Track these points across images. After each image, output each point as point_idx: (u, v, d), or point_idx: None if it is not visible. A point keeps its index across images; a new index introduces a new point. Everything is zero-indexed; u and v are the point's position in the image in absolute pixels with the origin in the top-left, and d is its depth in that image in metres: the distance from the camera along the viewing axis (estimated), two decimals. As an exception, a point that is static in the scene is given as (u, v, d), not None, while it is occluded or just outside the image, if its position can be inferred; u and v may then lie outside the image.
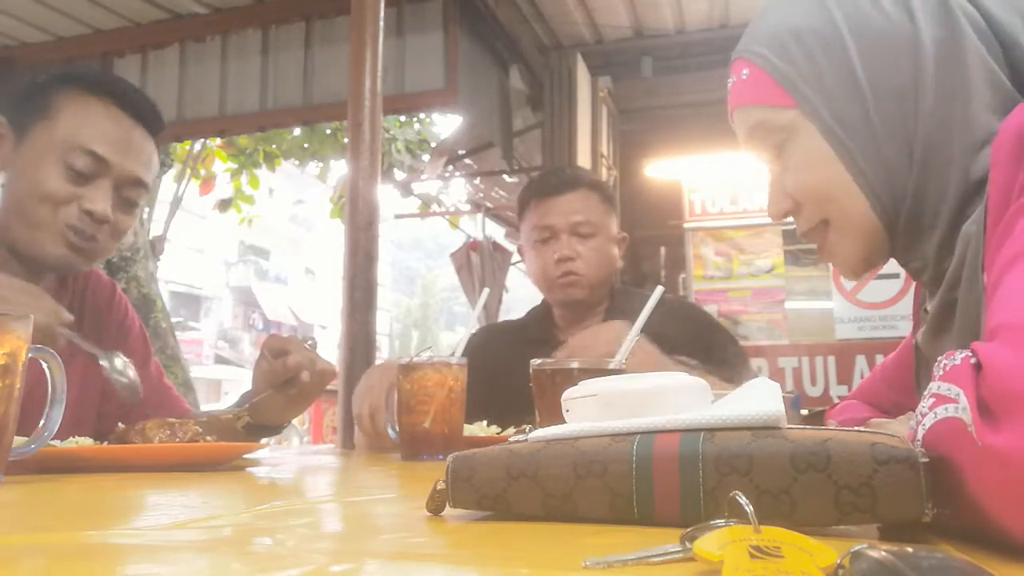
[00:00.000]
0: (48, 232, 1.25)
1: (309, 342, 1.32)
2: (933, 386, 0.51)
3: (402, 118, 6.98)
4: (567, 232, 1.76)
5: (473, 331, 1.87)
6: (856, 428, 0.50)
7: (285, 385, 1.28)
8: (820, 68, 0.81)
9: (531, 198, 1.83)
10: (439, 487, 0.56)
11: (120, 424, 1.10)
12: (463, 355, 1.28)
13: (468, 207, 7.27)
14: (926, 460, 0.45)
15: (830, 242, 0.87)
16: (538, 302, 1.94)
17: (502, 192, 6.77)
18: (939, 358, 0.52)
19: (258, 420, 1.30)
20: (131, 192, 1.32)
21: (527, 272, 1.93)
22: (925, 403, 0.51)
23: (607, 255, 1.80)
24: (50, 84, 1.31)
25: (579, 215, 1.77)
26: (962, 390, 0.48)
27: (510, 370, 1.55)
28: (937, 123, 0.77)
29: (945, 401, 0.49)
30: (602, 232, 1.79)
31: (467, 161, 6.17)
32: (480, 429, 1.42)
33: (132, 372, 1.21)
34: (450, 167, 6.20)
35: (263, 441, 1.34)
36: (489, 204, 6.81)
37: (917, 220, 0.80)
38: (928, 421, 0.49)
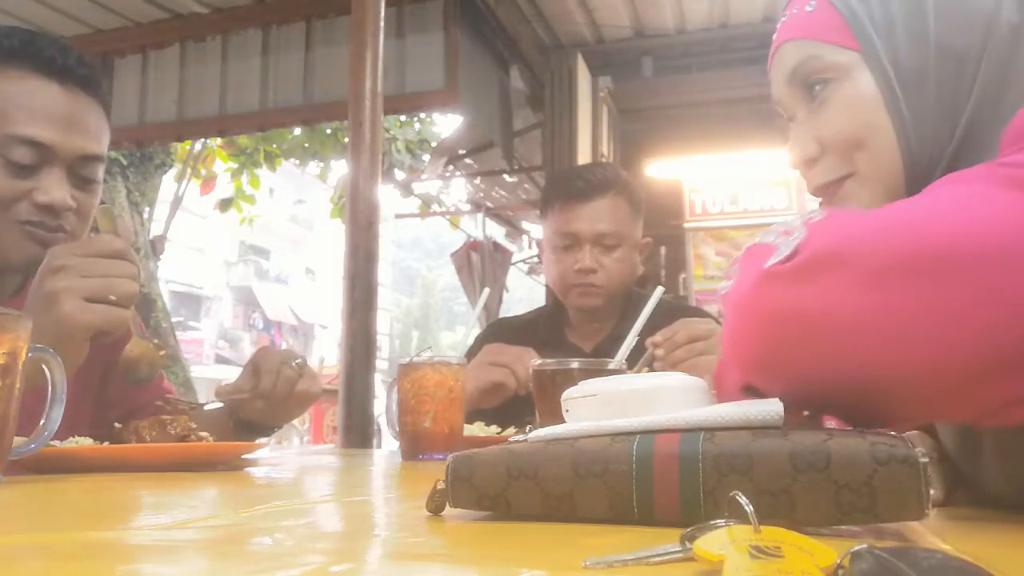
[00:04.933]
0: (6, 235, 1.11)
1: (297, 361, 1.28)
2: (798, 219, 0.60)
3: (402, 118, 6.98)
4: (591, 242, 1.69)
5: (476, 329, 1.88)
6: (857, 429, 0.50)
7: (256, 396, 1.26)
8: (893, 12, 0.79)
9: (556, 199, 1.75)
10: (439, 487, 0.56)
11: (117, 425, 1.10)
12: (472, 351, 1.28)
13: (468, 207, 7.27)
14: (926, 460, 0.45)
15: (845, 191, 0.83)
16: (538, 303, 1.93)
17: (502, 192, 6.77)
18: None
19: (249, 417, 1.29)
20: (87, 170, 1.17)
21: (544, 272, 1.90)
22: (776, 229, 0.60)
23: (629, 265, 1.74)
24: None
25: (605, 225, 1.70)
26: (807, 229, 0.56)
27: None
28: (988, 104, 0.76)
29: (787, 234, 0.57)
30: (626, 241, 1.72)
31: (467, 161, 6.18)
32: (480, 429, 1.42)
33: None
34: (450, 167, 6.21)
35: (262, 441, 1.34)
36: (489, 204, 6.81)
37: None
38: (767, 239, 0.58)
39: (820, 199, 0.87)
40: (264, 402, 1.25)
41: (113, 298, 0.99)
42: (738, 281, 0.60)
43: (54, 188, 1.12)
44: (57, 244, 1.12)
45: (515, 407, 1.55)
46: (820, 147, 0.84)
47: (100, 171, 1.20)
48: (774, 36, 0.89)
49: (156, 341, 1.14)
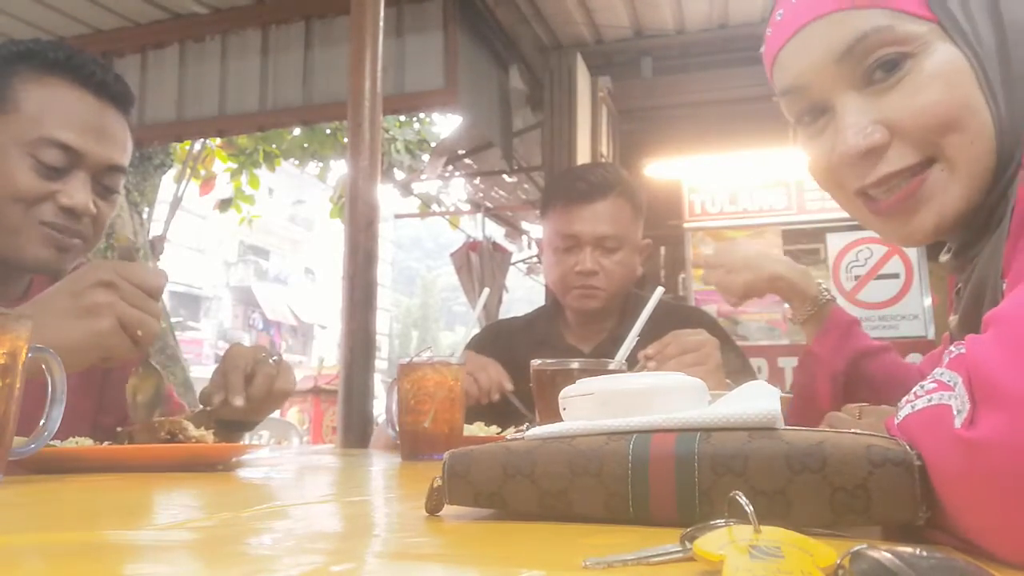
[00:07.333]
0: (26, 234, 1.15)
1: (274, 358, 1.26)
2: (937, 372, 0.51)
3: (402, 118, 6.99)
4: (592, 244, 1.68)
5: (475, 330, 1.87)
6: (852, 431, 0.50)
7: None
8: None
9: (558, 201, 1.73)
10: (436, 484, 0.56)
11: (119, 428, 1.10)
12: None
13: (468, 207, 7.27)
14: (921, 463, 0.45)
15: (930, 183, 0.73)
16: (537, 303, 1.93)
17: (502, 192, 6.77)
18: (950, 347, 0.52)
19: (226, 417, 1.27)
20: (110, 180, 1.23)
21: (544, 272, 1.89)
22: (926, 385, 0.50)
23: (629, 267, 1.73)
24: (4, 67, 1.18)
25: (606, 227, 1.68)
26: (960, 378, 0.47)
27: (517, 371, 1.55)
28: None
29: (945, 388, 0.48)
30: (627, 244, 1.71)
31: (467, 161, 6.17)
32: (479, 429, 1.42)
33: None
34: (450, 167, 6.20)
35: (260, 442, 1.33)
36: (489, 204, 6.81)
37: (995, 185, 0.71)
38: (920, 404, 0.49)
39: (876, 193, 0.76)
40: (243, 400, 1.22)
41: (140, 334, 1.01)
42: (932, 454, 0.46)
43: (78, 192, 1.17)
44: (74, 249, 1.18)
45: (515, 407, 1.56)
46: (889, 132, 0.73)
47: (121, 183, 1.26)
48: (777, 14, 0.80)
49: (158, 367, 1.14)
